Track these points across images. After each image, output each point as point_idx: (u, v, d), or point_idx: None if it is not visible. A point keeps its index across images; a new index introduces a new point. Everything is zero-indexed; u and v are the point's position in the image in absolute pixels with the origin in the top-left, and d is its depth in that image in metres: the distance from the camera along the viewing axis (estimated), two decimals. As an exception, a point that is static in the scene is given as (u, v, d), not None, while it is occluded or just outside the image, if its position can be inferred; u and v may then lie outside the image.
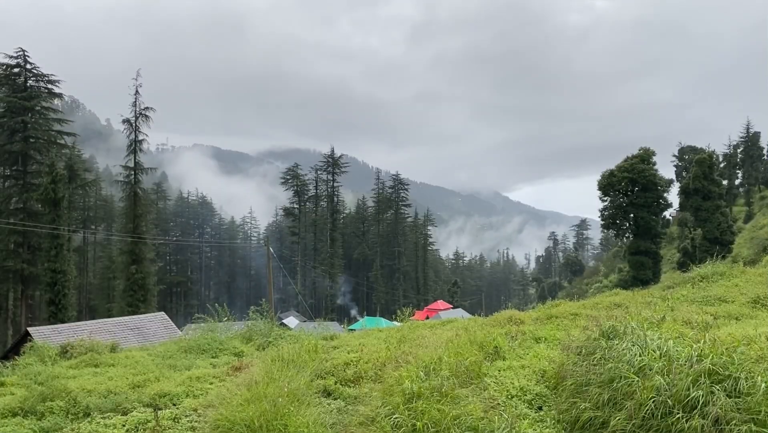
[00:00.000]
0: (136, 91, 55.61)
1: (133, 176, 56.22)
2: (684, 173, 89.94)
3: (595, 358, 9.01)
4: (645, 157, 51.84)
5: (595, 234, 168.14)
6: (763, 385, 6.87)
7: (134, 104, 55.79)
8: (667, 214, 75.80)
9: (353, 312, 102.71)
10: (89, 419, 10.30)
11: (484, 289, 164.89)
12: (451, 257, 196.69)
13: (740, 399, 6.83)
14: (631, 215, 52.12)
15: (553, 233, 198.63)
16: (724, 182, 73.38)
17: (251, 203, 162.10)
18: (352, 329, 33.54)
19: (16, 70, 56.17)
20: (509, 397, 9.30)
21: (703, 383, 7.00)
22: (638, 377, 7.61)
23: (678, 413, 6.76)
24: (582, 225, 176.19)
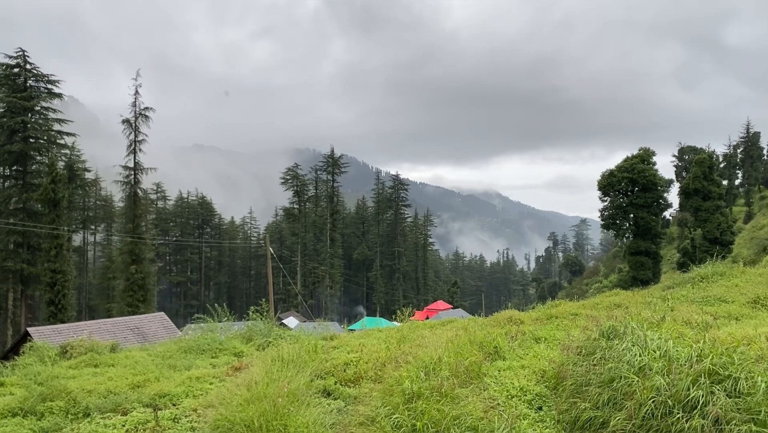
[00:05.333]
0: (136, 91, 55.61)
1: (132, 176, 56.23)
2: (684, 173, 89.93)
3: (595, 358, 9.01)
4: (645, 157, 51.86)
5: (595, 234, 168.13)
6: (763, 385, 6.87)
7: (134, 104, 55.80)
8: (667, 214, 76.00)
9: (353, 312, 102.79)
10: (89, 419, 10.27)
11: (484, 289, 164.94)
12: (451, 256, 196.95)
13: (740, 399, 6.83)
14: (631, 215, 52.10)
15: (554, 233, 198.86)
16: (724, 182, 73.35)
17: (251, 203, 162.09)
18: (351, 330, 33.50)
19: (16, 70, 56.19)
20: (509, 397, 9.30)
21: (703, 383, 6.99)
22: (638, 377, 7.60)
23: (678, 413, 6.76)
24: (582, 225, 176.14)
